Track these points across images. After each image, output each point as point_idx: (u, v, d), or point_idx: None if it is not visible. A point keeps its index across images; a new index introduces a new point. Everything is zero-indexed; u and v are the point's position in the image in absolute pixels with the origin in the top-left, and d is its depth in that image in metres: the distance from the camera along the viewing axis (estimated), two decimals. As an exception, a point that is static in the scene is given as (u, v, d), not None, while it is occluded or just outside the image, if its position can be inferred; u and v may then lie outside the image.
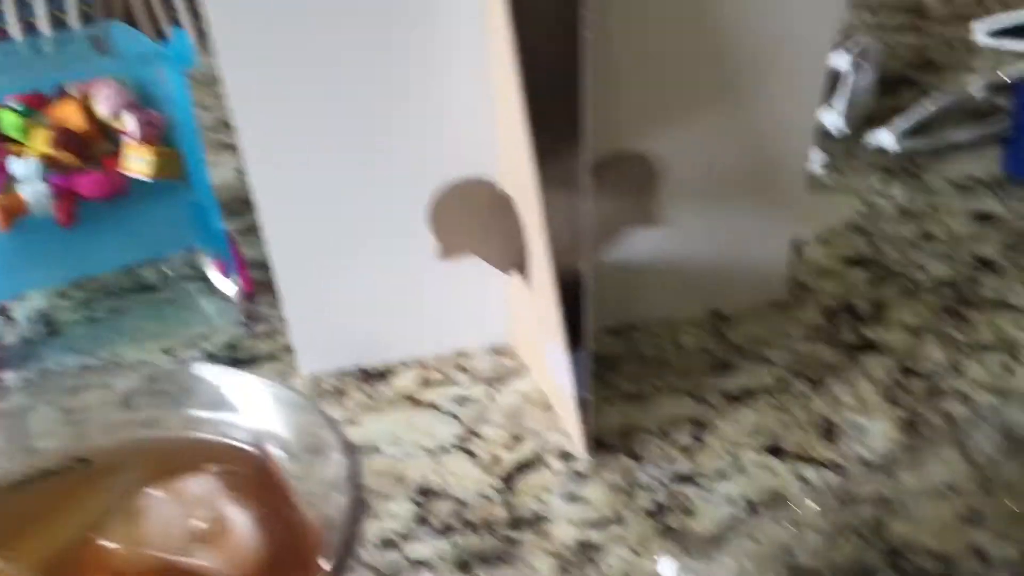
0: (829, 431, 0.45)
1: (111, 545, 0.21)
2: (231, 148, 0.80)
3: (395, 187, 0.46)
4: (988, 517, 0.40)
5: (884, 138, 0.69)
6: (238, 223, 0.67)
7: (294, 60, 0.43)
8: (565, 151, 0.43)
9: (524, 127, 0.40)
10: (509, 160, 0.44)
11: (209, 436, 0.24)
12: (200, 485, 0.22)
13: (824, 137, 0.73)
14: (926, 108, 0.70)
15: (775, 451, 0.44)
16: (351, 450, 0.21)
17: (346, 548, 0.19)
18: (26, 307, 0.60)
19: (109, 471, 0.24)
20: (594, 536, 0.40)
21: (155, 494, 0.21)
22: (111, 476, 0.23)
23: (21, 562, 0.21)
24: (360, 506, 0.20)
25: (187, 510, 0.21)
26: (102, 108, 0.58)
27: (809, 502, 0.40)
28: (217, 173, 0.74)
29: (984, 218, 0.62)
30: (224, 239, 0.57)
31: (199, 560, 0.21)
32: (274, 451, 0.23)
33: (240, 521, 0.21)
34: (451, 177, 0.46)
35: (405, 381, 0.51)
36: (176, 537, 0.21)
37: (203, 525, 0.21)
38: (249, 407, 0.23)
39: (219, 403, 0.24)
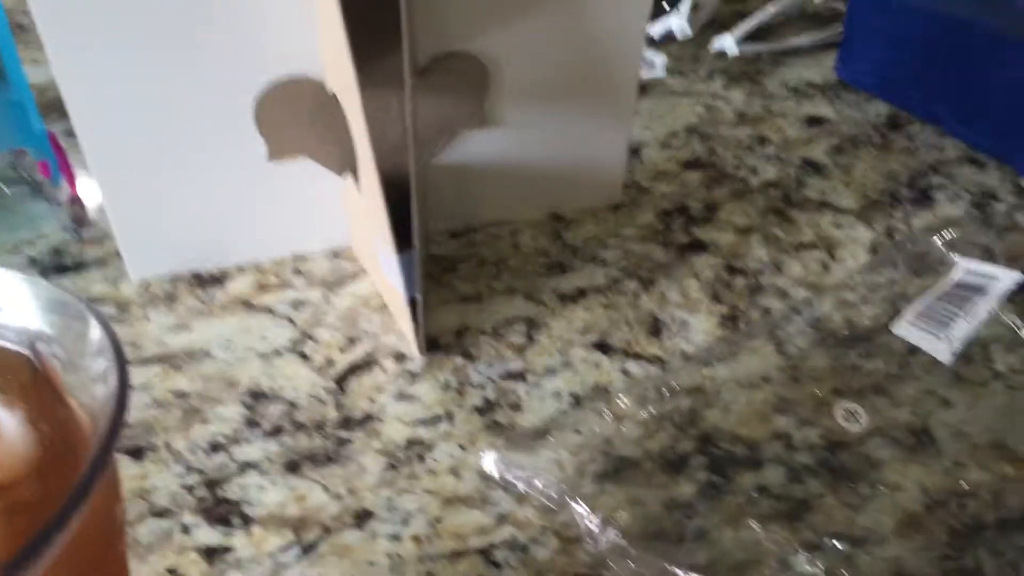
0: (655, 327, 0.47)
1: None
2: (60, 45, 0.75)
3: (218, 86, 0.45)
4: (795, 405, 0.42)
5: (726, 42, 0.70)
6: (60, 125, 0.64)
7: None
8: (386, 50, 0.42)
9: (342, 24, 0.38)
10: (332, 59, 0.43)
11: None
12: (-36, 388, 0.21)
13: (669, 41, 0.74)
14: (767, 12, 0.72)
15: (603, 347, 0.46)
16: (115, 340, 0.20)
17: (109, 436, 0.19)
18: None
19: None
20: (423, 433, 0.41)
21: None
22: None
23: None
24: (124, 395, 0.20)
25: (-51, 414, 0.21)
26: (-98, -3, 0.54)
27: (629, 395, 0.42)
28: (41, 71, 0.70)
29: (815, 122, 0.64)
30: (46, 140, 0.54)
31: (-37, 463, 0.20)
32: (43, 349, 0.22)
33: (10, 423, 0.21)
34: (275, 76, 0.45)
35: (240, 286, 0.50)
36: (-63, 441, 0.20)
37: (-33, 428, 0.20)
38: (13, 306, 0.22)
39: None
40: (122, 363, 0.20)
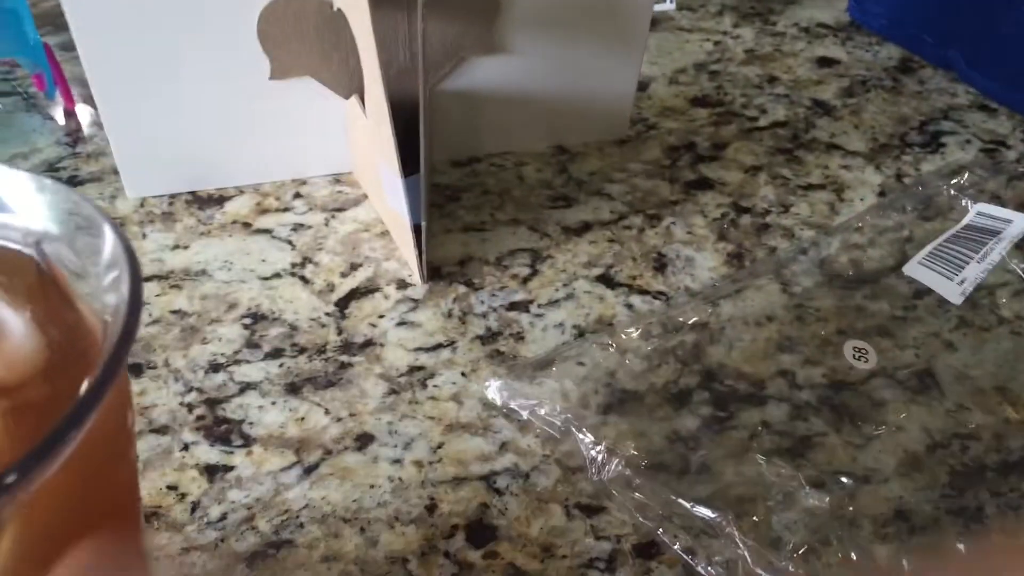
0: (660, 263, 0.46)
1: None
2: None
3: (220, 1, 0.43)
4: (799, 344, 0.42)
5: (738, -21, 0.69)
6: (56, 38, 0.62)
7: None
8: (404, -34, 0.41)
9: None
10: (345, -27, 0.42)
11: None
12: (-30, 286, 0.20)
13: (681, -24, 0.72)
14: (781, -49, 0.70)
15: (607, 281, 0.45)
16: (128, 247, 0.20)
17: (124, 339, 0.19)
18: None
19: None
20: (425, 360, 0.41)
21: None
22: None
23: None
24: (137, 302, 0.19)
25: (-45, 312, 0.20)
26: None
27: (633, 328, 0.41)
28: (37, -17, 0.68)
29: (826, 63, 0.63)
30: (41, 51, 0.52)
31: (-30, 362, 0.20)
32: (51, 251, 0.21)
33: (13, 324, 0.20)
34: (284, -10, 0.44)
35: (239, 207, 0.49)
36: (-57, 339, 0.20)
37: (-26, 327, 0.20)
38: (23, 206, 0.22)
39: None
40: (135, 271, 0.19)
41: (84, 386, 0.18)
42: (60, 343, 0.21)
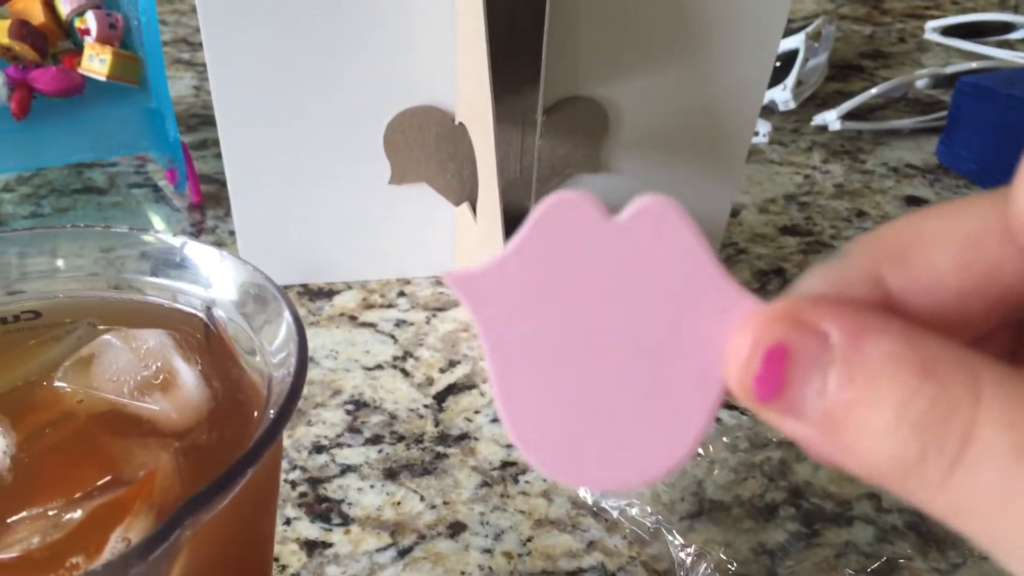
0: (748, 380, 0.48)
1: (64, 386, 0.22)
2: (187, 64, 0.80)
3: (353, 111, 0.47)
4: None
5: (828, 117, 0.72)
6: (190, 137, 0.67)
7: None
8: (523, 88, 0.44)
9: (487, 61, 0.41)
10: (466, 92, 0.46)
11: (161, 300, 0.25)
12: (152, 338, 0.23)
13: (772, 111, 0.75)
14: (871, 94, 0.73)
15: (695, 394, 0.46)
16: (296, 316, 0.22)
17: (286, 407, 0.21)
18: (-30, 198, 0.60)
19: (60, 324, 0.25)
20: (517, 456, 0.42)
21: (110, 340, 0.23)
22: (62, 328, 0.24)
23: (-27, 394, 0.22)
24: (302, 368, 0.21)
25: (139, 359, 0.22)
26: (64, 6, 0.58)
27: (721, 441, 0.43)
28: (172, 87, 0.74)
29: (915, 202, 0.65)
30: (179, 147, 0.57)
31: (147, 405, 0.22)
32: (222, 316, 0.24)
33: (187, 375, 0.23)
34: (409, 103, 0.47)
35: (347, 301, 0.52)
36: (127, 383, 0.22)
37: (153, 374, 0.22)
38: (201, 275, 0.24)
39: (172, 269, 0.25)
40: (303, 351, 0.22)
41: (255, 437, 0.20)
42: (223, 396, 0.23)
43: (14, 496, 0.20)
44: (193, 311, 0.25)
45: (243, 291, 0.24)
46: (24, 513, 0.19)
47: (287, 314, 0.22)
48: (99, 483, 0.20)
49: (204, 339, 0.24)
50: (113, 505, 0.19)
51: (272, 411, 0.21)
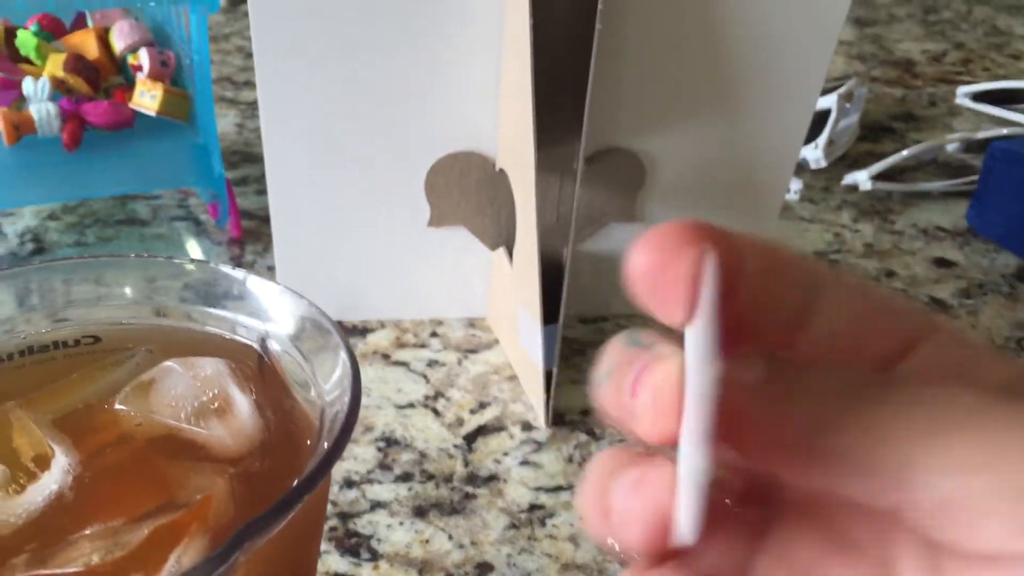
0: (775, 434, 0.48)
1: (124, 409, 0.23)
2: (231, 102, 0.82)
3: (398, 153, 0.48)
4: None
5: (859, 178, 0.72)
6: (231, 174, 0.69)
7: (320, 27, 0.45)
8: (564, 138, 0.45)
9: (531, 110, 0.42)
10: (508, 139, 0.47)
11: (217, 330, 0.26)
12: (210, 367, 0.24)
13: (803, 168, 0.76)
14: (902, 155, 0.74)
15: (723, 446, 0.47)
16: (350, 351, 0.23)
17: (339, 443, 0.22)
18: (17, 225, 0.61)
19: (120, 350, 0.25)
20: (545, 499, 0.43)
21: (171, 366, 0.23)
22: (122, 353, 0.25)
23: (36, 411, 0.23)
24: (356, 402, 0.22)
25: (197, 386, 0.23)
26: (118, 42, 0.60)
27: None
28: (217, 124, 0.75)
29: (944, 264, 0.65)
30: (223, 183, 0.58)
31: (204, 431, 0.23)
32: (276, 348, 0.25)
33: (243, 403, 0.23)
34: (452, 149, 0.49)
35: (380, 339, 0.53)
36: (185, 408, 0.23)
37: (210, 401, 0.23)
38: (259, 307, 0.25)
39: (229, 300, 0.26)
40: (357, 385, 0.23)
41: (311, 465, 0.21)
42: (276, 425, 0.24)
43: (75, 514, 0.21)
44: (248, 342, 0.26)
45: (300, 326, 0.25)
46: (85, 531, 0.20)
47: (343, 352, 0.23)
48: (157, 504, 0.21)
49: (258, 370, 0.25)
50: (171, 527, 0.20)
51: (326, 443, 0.21)
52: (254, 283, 0.25)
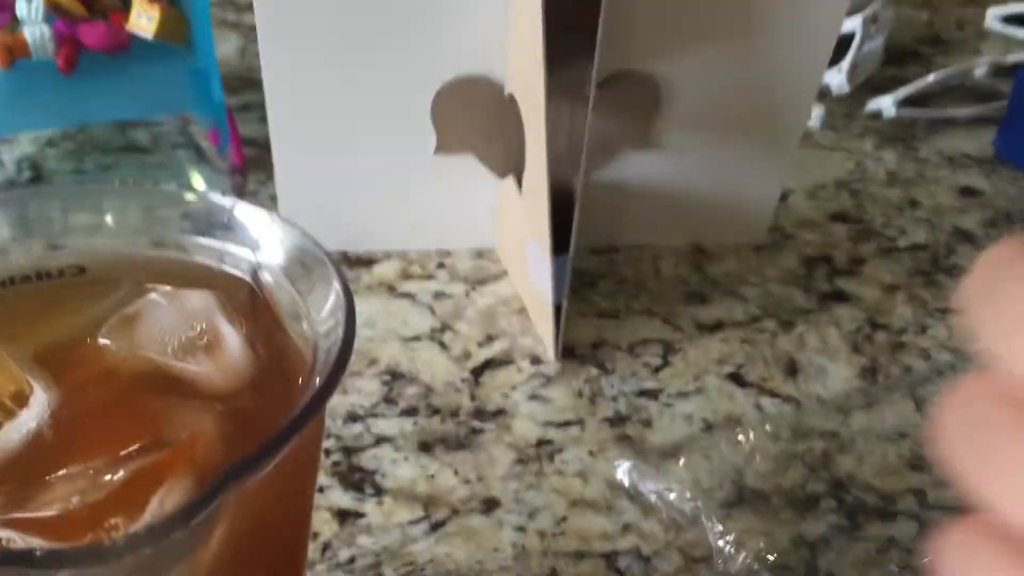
0: (791, 368, 0.47)
1: (107, 343, 0.22)
2: (232, 26, 0.79)
3: (402, 79, 0.47)
4: (932, 465, 0.41)
5: (883, 104, 0.70)
6: (233, 100, 0.67)
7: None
8: (576, 62, 0.43)
9: (540, 32, 0.40)
10: (517, 63, 0.45)
11: (207, 261, 0.25)
12: (198, 299, 0.22)
13: (825, 94, 0.73)
14: (928, 80, 0.71)
15: (738, 380, 0.46)
16: (344, 282, 0.22)
17: (331, 379, 0.20)
18: (14, 152, 0.60)
19: (105, 281, 0.24)
20: (554, 435, 0.42)
21: (156, 299, 0.22)
22: (107, 284, 0.24)
23: (16, 347, 0.21)
24: (351, 336, 0.21)
25: (184, 319, 0.22)
26: (113, -39, 0.58)
27: (763, 428, 0.42)
28: (217, 49, 0.73)
29: (970, 192, 0.63)
30: (223, 109, 0.57)
31: (191, 366, 0.22)
32: (269, 280, 0.24)
33: (232, 338, 0.22)
34: (458, 73, 0.47)
35: (385, 270, 0.51)
36: (171, 343, 0.22)
37: (198, 335, 0.22)
38: (250, 237, 0.24)
39: (219, 230, 0.24)
40: (351, 319, 0.21)
41: (302, 403, 0.19)
42: (267, 361, 0.23)
43: (54, 453, 0.20)
44: (239, 274, 0.24)
45: (291, 256, 0.23)
46: (64, 471, 0.19)
47: (336, 282, 0.22)
48: (141, 443, 0.20)
49: (249, 303, 0.24)
50: (154, 467, 0.19)
51: (319, 378, 0.20)
52: (243, 211, 0.24)
